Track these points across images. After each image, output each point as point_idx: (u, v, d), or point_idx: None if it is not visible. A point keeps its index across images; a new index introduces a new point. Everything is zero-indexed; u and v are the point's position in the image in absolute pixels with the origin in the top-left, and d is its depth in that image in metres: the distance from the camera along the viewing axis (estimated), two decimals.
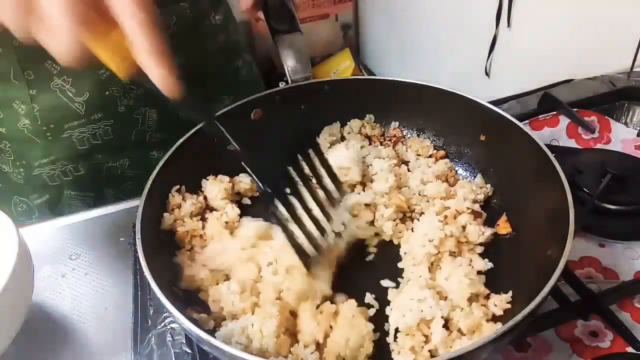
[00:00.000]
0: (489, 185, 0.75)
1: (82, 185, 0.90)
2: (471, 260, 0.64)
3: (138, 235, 0.59)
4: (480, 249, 0.67)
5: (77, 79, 0.82)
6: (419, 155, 0.81)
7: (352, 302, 0.60)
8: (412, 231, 0.69)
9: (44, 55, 0.72)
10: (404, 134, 0.83)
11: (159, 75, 0.43)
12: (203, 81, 0.96)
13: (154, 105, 0.89)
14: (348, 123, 0.84)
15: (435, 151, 0.81)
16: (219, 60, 0.98)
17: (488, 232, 0.67)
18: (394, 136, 0.83)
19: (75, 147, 0.87)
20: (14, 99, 0.82)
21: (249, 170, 0.59)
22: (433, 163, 0.79)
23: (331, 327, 0.58)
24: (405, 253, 0.68)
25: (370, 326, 0.59)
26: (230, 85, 1.00)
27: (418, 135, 0.83)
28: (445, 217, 0.68)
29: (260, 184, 0.59)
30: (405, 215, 0.73)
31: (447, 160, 0.79)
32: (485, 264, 0.64)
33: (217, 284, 0.64)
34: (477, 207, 0.71)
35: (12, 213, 0.91)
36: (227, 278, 0.65)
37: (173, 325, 0.64)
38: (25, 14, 0.39)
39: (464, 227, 0.68)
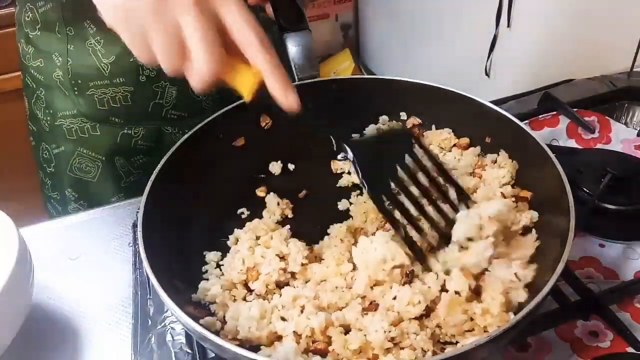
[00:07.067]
0: (511, 161, 0.72)
1: (95, 147, 0.96)
2: None
3: (140, 233, 0.59)
4: None
5: (108, 42, 0.88)
6: (442, 148, 0.78)
7: None
8: None
9: (84, 15, 0.85)
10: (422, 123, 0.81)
11: (282, 93, 0.53)
12: None
13: (174, 82, 0.92)
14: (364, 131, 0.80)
15: (457, 140, 0.78)
16: None
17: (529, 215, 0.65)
18: (413, 124, 0.80)
19: (96, 106, 0.92)
20: (54, 50, 0.91)
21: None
22: (460, 155, 0.76)
23: None
24: None
25: None
26: None
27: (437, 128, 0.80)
28: None
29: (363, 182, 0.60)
30: None
31: (473, 148, 0.76)
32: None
33: (234, 300, 0.62)
34: (508, 190, 0.69)
35: (39, 157, 1.01)
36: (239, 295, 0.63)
37: (173, 325, 0.64)
38: (179, 59, 0.51)
39: None
